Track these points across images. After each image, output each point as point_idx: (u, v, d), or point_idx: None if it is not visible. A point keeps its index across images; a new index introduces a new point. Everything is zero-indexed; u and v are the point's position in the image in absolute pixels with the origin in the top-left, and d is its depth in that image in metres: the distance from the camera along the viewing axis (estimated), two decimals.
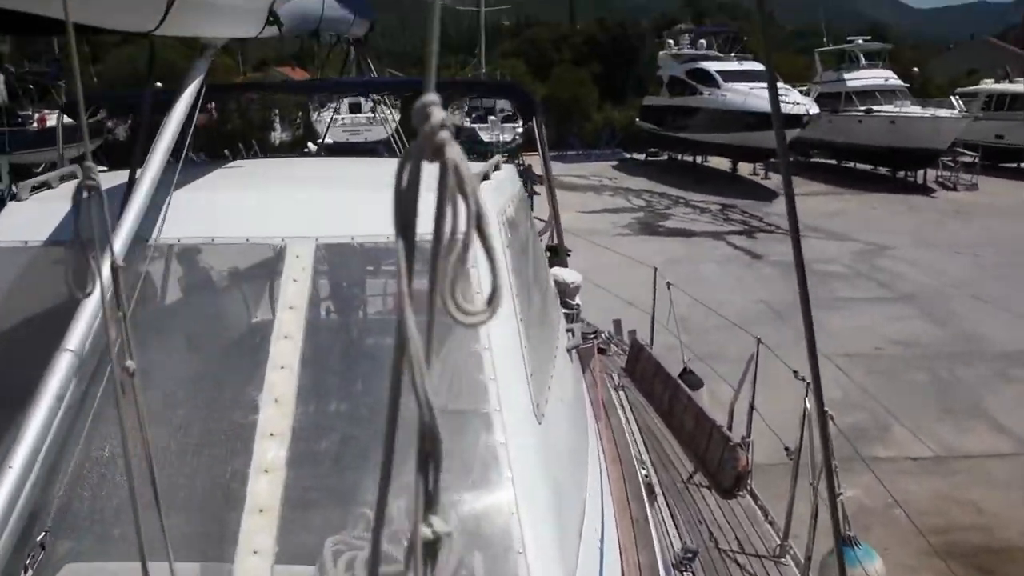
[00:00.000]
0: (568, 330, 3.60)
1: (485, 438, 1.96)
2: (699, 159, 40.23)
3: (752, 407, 6.58)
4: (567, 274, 5.14)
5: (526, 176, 31.65)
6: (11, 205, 2.55)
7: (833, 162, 38.18)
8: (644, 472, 4.57)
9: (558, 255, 5.79)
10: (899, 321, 14.96)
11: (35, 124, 31.64)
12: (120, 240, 1.98)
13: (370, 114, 32.83)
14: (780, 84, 33.71)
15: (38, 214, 2.44)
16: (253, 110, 39.78)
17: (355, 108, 32.71)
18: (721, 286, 17.63)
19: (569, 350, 3.30)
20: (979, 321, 14.87)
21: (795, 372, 5.68)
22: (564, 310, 4.68)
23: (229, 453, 1.96)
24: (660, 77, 43.66)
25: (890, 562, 5.56)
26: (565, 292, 4.91)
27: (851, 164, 36.98)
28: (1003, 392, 11.67)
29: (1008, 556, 8.15)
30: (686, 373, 7.69)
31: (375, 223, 2.37)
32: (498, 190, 2.88)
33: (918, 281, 17.96)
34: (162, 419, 2.01)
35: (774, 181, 34.58)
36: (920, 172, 33.03)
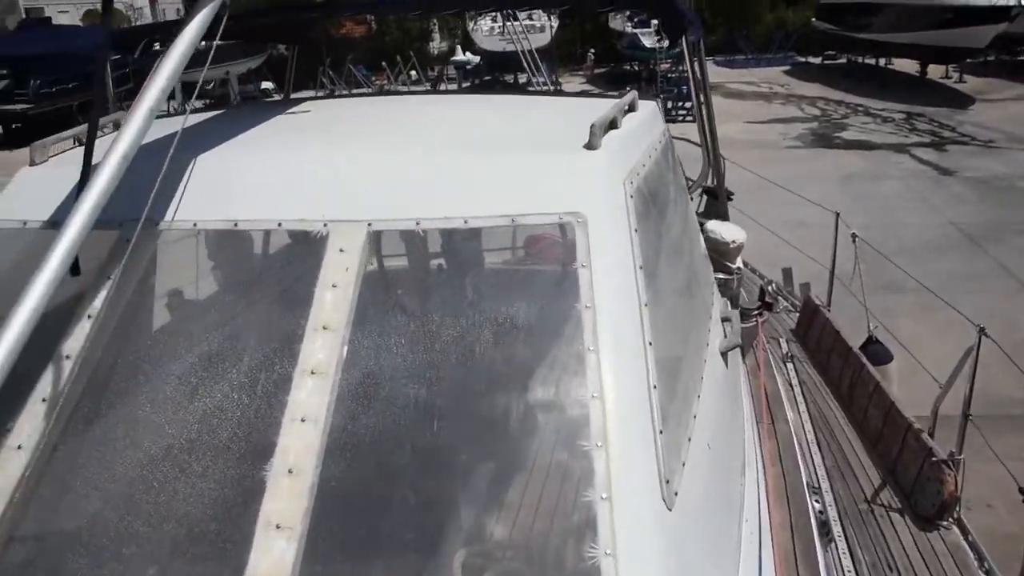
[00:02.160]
0: (725, 320, 2.87)
1: (586, 543, 1.40)
2: (883, 62, 36.64)
3: (967, 416, 5.14)
4: (726, 229, 4.19)
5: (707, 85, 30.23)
6: (22, 172, 2.15)
7: None
8: (818, 505, 3.79)
9: (715, 200, 4.94)
10: None
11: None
12: (80, 222, 1.50)
13: (528, 21, 31.97)
14: None
15: (48, 184, 2.03)
16: (411, 19, 39.59)
17: (511, 16, 31.80)
18: (904, 206, 15.97)
19: (724, 352, 2.65)
20: None
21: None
22: (720, 275, 3.92)
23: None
24: None
25: None
26: (723, 254, 4.05)
27: None
28: None
29: None
30: (872, 343, 6.53)
31: (463, 201, 1.88)
32: (626, 145, 2.27)
33: None
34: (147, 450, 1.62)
35: (971, 85, 31.04)
36: None
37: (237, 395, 1.65)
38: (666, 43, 33.71)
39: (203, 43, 1.81)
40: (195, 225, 1.89)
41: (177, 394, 1.73)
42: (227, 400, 1.65)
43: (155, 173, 1.72)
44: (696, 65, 4.29)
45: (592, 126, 2.05)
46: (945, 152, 20.85)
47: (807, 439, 4.77)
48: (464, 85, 33.54)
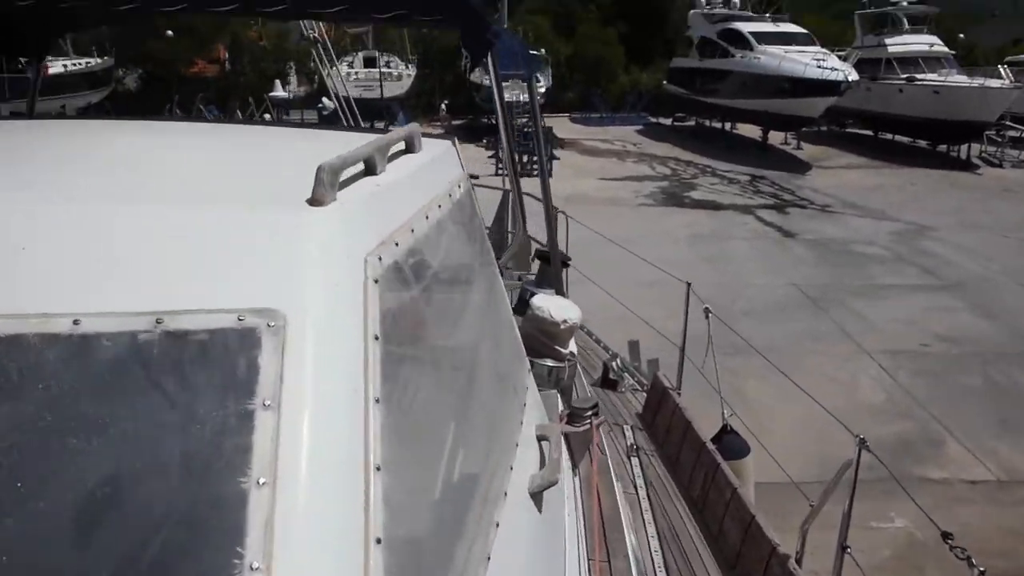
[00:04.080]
0: (542, 438, 2.18)
1: None
2: (728, 126, 38.50)
3: (844, 548, 4.37)
4: (557, 306, 3.46)
5: (546, 140, 30.14)
6: None
7: (870, 133, 36.34)
8: None
9: (548, 266, 4.30)
10: (946, 313, 13.59)
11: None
12: None
13: (386, 69, 31.60)
14: (817, 48, 31.99)
15: None
16: (266, 62, 38.47)
17: (370, 62, 31.35)
18: (751, 267, 16.34)
19: (536, 494, 1.98)
20: None
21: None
22: (550, 362, 3.28)
23: None
24: (690, 38, 41.81)
25: None
26: (553, 336, 3.37)
27: (890, 136, 35.15)
28: None
29: None
30: (727, 433, 5.84)
31: (71, 287, 1.17)
32: (384, 201, 1.57)
33: (964, 267, 16.53)
34: None
35: (807, 152, 32.96)
36: (963, 146, 31.22)
37: None
38: (523, 97, 34.26)
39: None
40: None
41: None
42: None
43: None
44: (498, 85, 3.48)
45: (319, 171, 1.34)
46: (786, 215, 21.73)
47: (652, 566, 4.03)
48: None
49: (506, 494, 1.74)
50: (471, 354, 2.00)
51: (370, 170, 1.61)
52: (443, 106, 37.96)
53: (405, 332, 1.52)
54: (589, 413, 3.01)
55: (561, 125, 38.91)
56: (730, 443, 5.55)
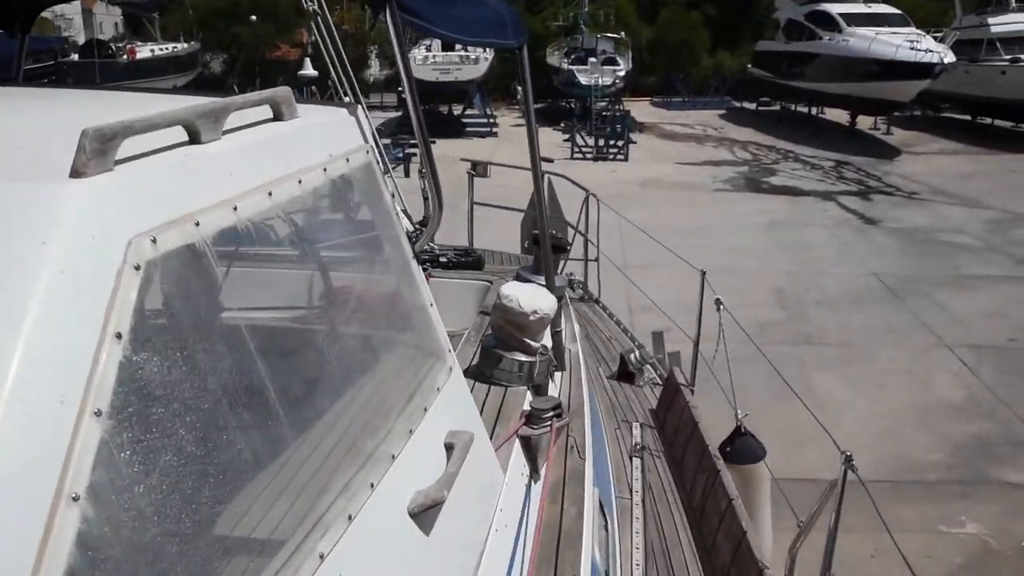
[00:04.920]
0: (448, 446, 1.91)
1: None
2: (815, 110, 37.14)
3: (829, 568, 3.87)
4: (526, 295, 3.10)
5: (623, 123, 29.56)
6: None
7: (968, 118, 34.45)
8: None
9: (538, 249, 3.84)
10: None
11: (125, 56, 31.48)
12: None
13: (463, 52, 31.49)
14: (911, 30, 30.47)
15: None
16: (348, 47, 38.85)
17: (448, 46, 31.29)
18: (828, 255, 15.66)
19: (420, 514, 1.71)
20: None
21: None
22: (520, 356, 2.99)
23: None
24: (777, 20, 40.44)
25: None
26: (521, 327, 3.06)
27: (988, 121, 33.28)
28: None
29: None
30: (740, 434, 5.26)
31: None
32: (198, 172, 1.37)
33: None
34: None
35: (897, 137, 31.51)
36: None
37: None
38: (603, 80, 33.75)
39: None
40: None
41: None
42: None
43: None
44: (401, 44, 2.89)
45: (82, 136, 1.14)
46: (870, 202, 20.80)
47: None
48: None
49: (351, 517, 1.52)
50: (312, 355, 1.75)
51: (194, 138, 1.40)
52: (518, 88, 37.74)
53: (186, 329, 1.31)
54: (550, 414, 2.70)
55: (641, 109, 38.25)
56: (743, 446, 5.14)
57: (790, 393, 5.53)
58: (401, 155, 18.82)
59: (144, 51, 33.55)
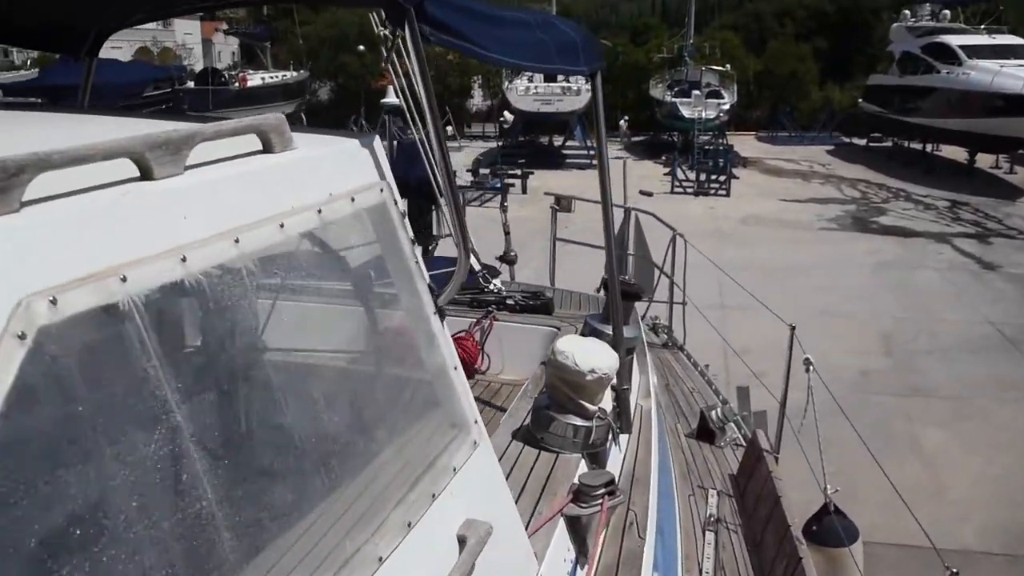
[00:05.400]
0: (461, 539, 1.67)
1: None
2: (930, 147, 35.56)
3: None
4: (584, 352, 2.78)
5: (726, 157, 29.02)
6: None
7: None
8: None
9: (610, 296, 3.44)
10: None
11: (236, 84, 32.85)
12: None
13: (565, 83, 31.60)
14: None
15: None
16: (452, 76, 39.59)
17: (549, 78, 31.47)
18: (941, 300, 14.84)
19: None
20: None
21: None
22: (575, 420, 2.69)
23: None
24: (891, 53, 39.03)
25: None
26: (577, 388, 2.76)
27: None
28: None
29: None
30: (829, 513, 4.74)
31: None
32: (129, 222, 1.15)
33: None
34: None
35: (1020, 176, 29.83)
36: None
37: None
38: (707, 114, 33.25)
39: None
40: None
41: None
42: None
43: None
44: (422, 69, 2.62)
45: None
46: (989, 245, 19.68)
47: None
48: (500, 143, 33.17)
49: None
50: (282, 443, 1.48)
51: (145, 174, 1.21)
52: (623, 121, 37.53)
53: (89, 417, 1.09)
54: (601, 491, 2.45)
55: (745, 143, 37.47)
56: (830, 527, 4.66)
57: (892, 449, 5.14)
58: (499, 184, 18.96)
59: (255, 79, 35.06)
